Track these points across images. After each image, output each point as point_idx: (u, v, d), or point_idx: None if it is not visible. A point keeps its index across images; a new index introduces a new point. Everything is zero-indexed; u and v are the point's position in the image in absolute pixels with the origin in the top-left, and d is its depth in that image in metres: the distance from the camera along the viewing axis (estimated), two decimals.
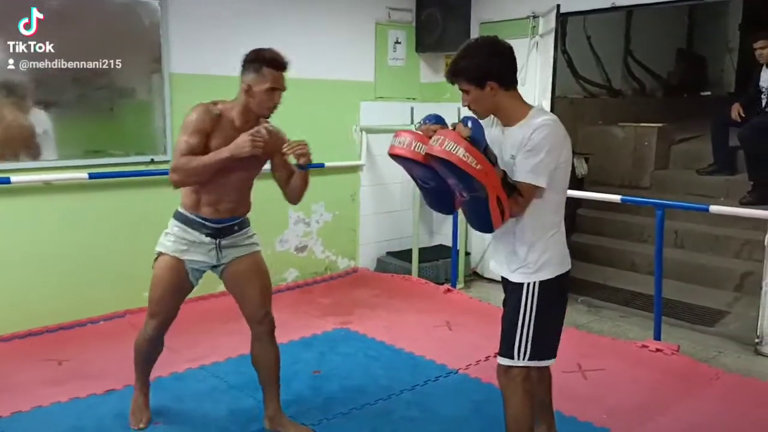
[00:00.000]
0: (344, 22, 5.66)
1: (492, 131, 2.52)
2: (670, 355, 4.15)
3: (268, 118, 2.97)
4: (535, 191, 2.37)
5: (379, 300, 5.30)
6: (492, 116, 2.51)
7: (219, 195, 2.96)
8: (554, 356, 2.59)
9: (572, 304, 5.27)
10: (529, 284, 2.47)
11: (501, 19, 5.65)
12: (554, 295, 2.51)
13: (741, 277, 5.37)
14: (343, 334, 4.53)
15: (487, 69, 2.36)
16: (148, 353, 3.22)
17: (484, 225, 2.38)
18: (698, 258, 5.75)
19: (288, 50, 3.29)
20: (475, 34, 5.80)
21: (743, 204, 5.64)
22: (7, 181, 4.22)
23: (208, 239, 3.00)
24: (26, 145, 4.32)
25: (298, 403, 3.49)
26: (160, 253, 3.03)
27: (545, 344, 2.53)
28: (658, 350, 4.20)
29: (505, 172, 2.34)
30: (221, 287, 5.10)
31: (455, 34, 5.70)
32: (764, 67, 5.90)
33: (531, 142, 2.32)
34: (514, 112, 2.43)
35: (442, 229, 6.34)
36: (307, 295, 5.42)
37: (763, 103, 5.85)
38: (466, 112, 2.52)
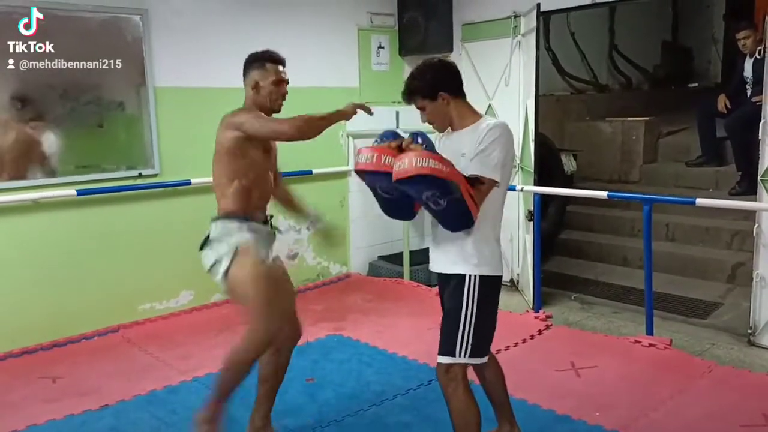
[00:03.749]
0: (326, 29, 5.67)
1: (441, 142, 2.73)
2: (662, 349, 4.15)
3: (278, 111, 3.07)
4: (492, 186, 2.55)
5: (372, 305, 5.31)
6: (437, 133, 2.74)
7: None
8: (488, 354, 2.76)
9: (565, 302, 5.29)
10: (471, 277, 2.61)
11: (483, 20, 5.65)
12: (491, 293, 2.69)
13: (732, 268, 5.38)
14: (336, 341, 4.53)
15: (436, 82, 2.62)
16: None
17: (464, 219, 2.51)
18: (689, 250, 5.77)
19: None
20: (457, 35, 5.82)
21: (732, 195, 5.67)
22: None
23: None
24: (16, 163, 4.34)
25: (292, 412, 3.49)
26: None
27: (484, 341, 2.69)
28: (650, 345, 4.20)
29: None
30: (213, 297, 5.18)
31: (438, 36, 5.71)
32: (748, 57, 5.93)
33: (485, 141, 2.53)
34: (465, 114, 2.67)
35: None
36: (299, 302, 5.28)
37: (749, 93, 5.87)
38: None
